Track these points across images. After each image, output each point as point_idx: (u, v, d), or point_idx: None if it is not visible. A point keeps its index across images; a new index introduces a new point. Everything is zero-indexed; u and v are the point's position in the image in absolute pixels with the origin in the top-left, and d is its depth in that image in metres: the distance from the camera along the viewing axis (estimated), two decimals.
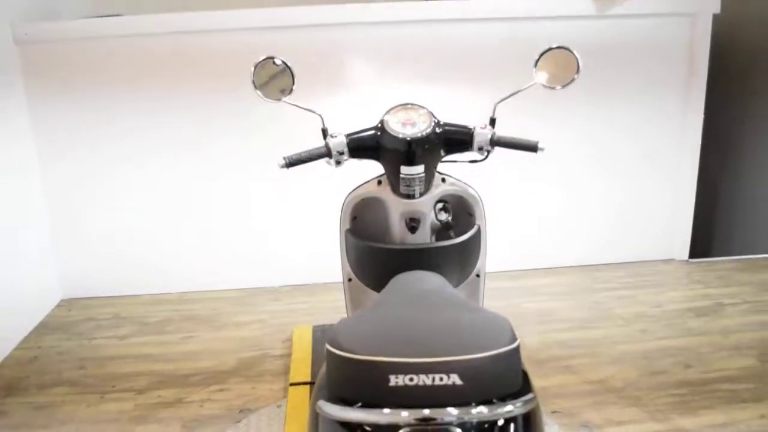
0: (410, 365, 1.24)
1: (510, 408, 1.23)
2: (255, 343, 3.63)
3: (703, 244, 5.37)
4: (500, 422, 1.27)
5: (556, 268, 4.71)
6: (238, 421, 2.85)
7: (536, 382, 3.15)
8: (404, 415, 1.18)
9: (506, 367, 1.32)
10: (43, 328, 3.99)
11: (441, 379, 1.22)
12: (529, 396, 1.30)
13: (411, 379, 1.22)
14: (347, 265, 2.29)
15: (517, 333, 1.37)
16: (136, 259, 4.42)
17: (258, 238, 4.44)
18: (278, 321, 3.93)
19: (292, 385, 3.06)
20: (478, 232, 2.21)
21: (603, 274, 4.58)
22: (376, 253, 2.15)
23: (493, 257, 4.25)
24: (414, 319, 1.52)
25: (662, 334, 3.63)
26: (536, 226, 4.63)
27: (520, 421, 1.33)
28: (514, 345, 1.34)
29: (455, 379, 1.23)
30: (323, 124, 2.07)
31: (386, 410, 1.20)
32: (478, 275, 2.30)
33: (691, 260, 4.80)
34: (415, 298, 1.71)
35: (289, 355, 3.44)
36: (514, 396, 1.30)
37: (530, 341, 3.55)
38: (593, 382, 3.14)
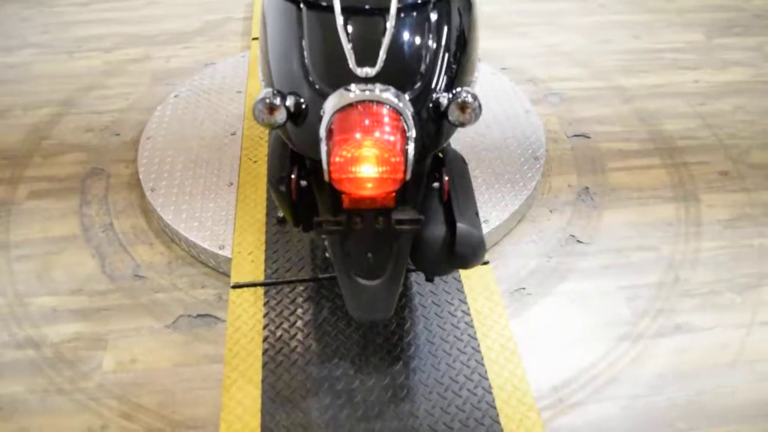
0: None
1: None
2: (218, 7, 3.63)
3: None
4: None
5: None
6: (206, 67, 2.99)
7: (492, 43, 3.27)
8: None
9: None
10: None
11: None
12: None
13: None
14: None
15: None
16: None
17: None
18: None
19: (254, 39, 3.15)
20: None
21: None
22: None
23: None
24: None
25: (618, 9, 3.69)
26: None
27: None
28: None
29: None
30: None
31: None
32: None
33: None
34: None
35: (251, 18, 3.47)
36: None
37: (492, 9, 3.61)
38: (544, 46, 3.28)
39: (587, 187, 2.46)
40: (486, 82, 2.78)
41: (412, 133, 1.22)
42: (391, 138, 1.20)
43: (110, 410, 1.79)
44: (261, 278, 2.00)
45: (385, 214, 1.33)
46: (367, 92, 1.22)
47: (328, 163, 1.21)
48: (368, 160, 1.21)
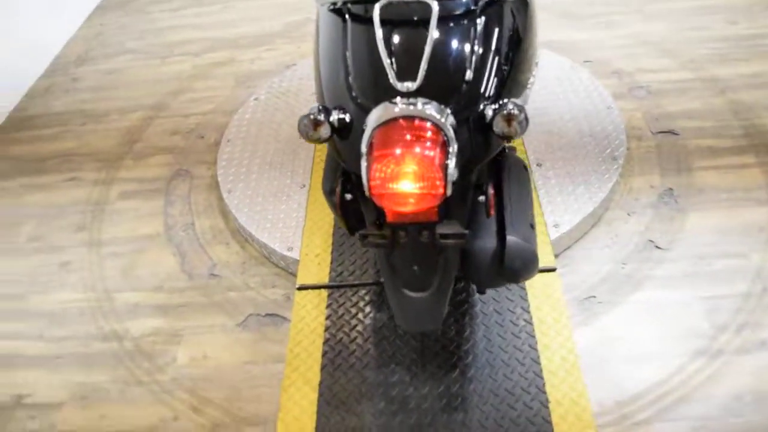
0: None
1: None
2: (299, 7, 3.70)
3: None
4: None
5: None
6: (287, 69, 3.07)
7: (572, 34, 3.14)
8: None
9: None
10: (101, 9, 4.15)
11: None
12: None
13: None
14: None
15: None
16: None
17: None
18: None
19: None
20: None
21: None
22: None
23: None
24: None
25: None
26: None
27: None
28: None
29: None
30: None
31: None
32: None
33: None
34: None
35: None
36: None
37: None
38: (630, 36, 3.11)
39: (671, 188, 2.32)
40: (564, 76, 2.68)
41: (454, 148, 1.20)
42: (430, 153, 1.18)
43: (182, 402, 1.90)
44: (326, 280, 2.04)
45: (428, 228, 1.32)
46: (410, 107, 1.21)
47: (368, 179, 1.21)
48: (407, 176, 1.20)
